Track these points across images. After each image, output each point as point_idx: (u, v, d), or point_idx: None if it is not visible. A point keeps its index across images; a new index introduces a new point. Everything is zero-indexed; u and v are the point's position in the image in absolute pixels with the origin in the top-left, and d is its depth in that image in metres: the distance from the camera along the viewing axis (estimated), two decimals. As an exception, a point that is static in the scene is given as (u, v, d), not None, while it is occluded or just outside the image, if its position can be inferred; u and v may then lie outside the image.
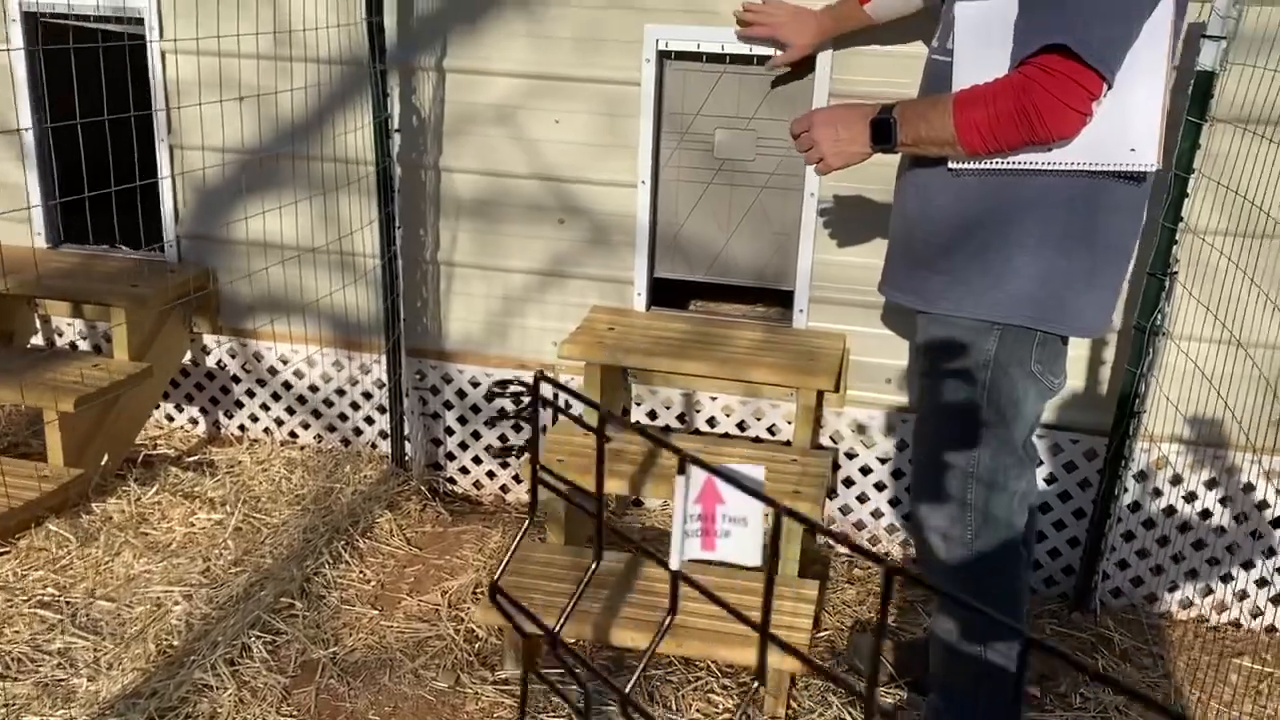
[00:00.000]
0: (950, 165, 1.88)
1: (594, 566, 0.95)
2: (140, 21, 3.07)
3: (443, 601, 2.63)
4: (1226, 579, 2.81)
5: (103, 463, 2.98)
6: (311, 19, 2.94)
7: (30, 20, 3.13)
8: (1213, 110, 2.38)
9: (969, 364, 1.94)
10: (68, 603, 2.50)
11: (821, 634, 2.63)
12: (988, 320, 1.91)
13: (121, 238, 3.30)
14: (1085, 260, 1.89)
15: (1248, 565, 2.80)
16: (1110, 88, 1.74)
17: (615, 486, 2.53)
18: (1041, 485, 2.86)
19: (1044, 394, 1.99)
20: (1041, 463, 2.84)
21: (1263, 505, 2.74)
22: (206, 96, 3.01)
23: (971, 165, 1.85)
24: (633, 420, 3.08)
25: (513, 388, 0.90)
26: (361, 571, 2.73)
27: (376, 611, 2.58)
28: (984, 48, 1.81)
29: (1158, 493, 2.79)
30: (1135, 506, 2.81)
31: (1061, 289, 1.89)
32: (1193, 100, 2.37)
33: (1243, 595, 2.81)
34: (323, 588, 2.63)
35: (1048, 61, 1.70)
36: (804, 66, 2.71)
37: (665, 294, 3.11)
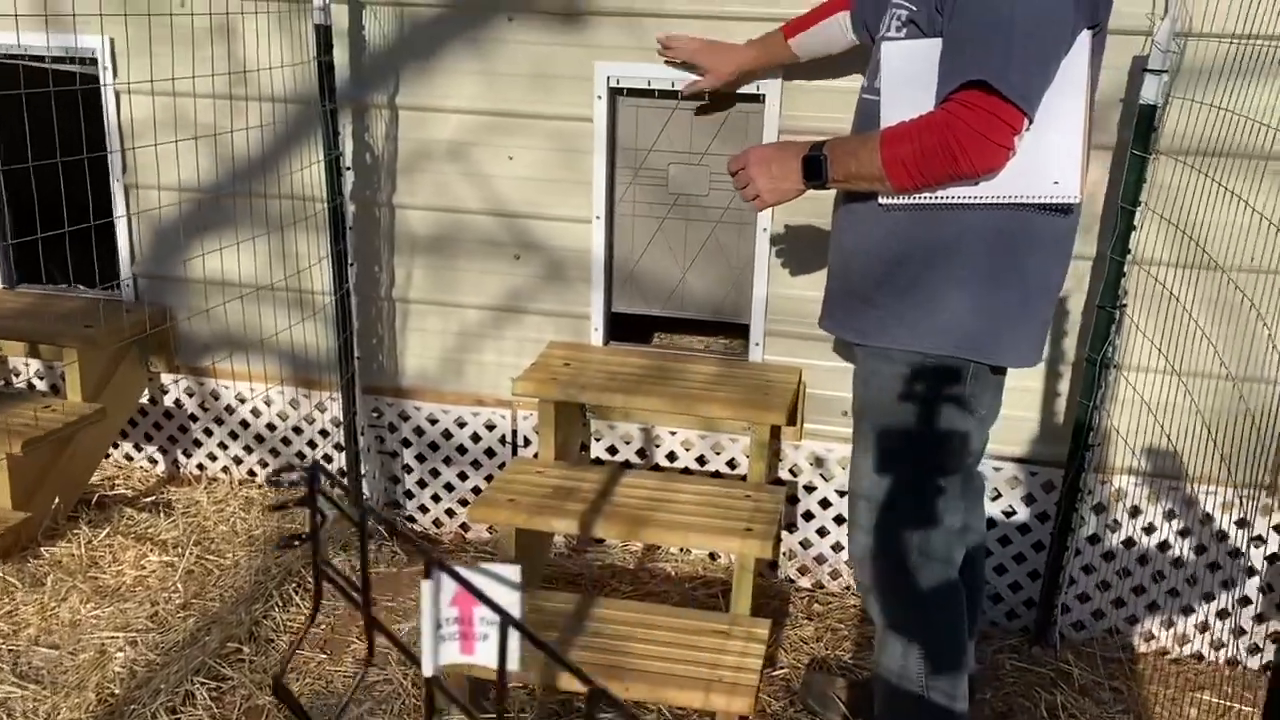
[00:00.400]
0: (880, 200, 1.89)
1: (362, 675, 0.91)
2: (94, 62, 3.06)
3: (392, 645, 2.59)
4: (1188, 611, 2.79)
5: (54, 505, 2.94)
6: (264, 58, 2.94)
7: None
8: (1155, 143, 2.38)
9: (903, 398, 1.94)
10: (10, 650, 2.46)
11: (778, 672, 2.60)
12: (920, 353, 1.92)
13: (79, 278, 3.28)
14: (1014, 292, 1.90)
15: (1208, 597, 2.78)
16: (1031, 122, 1.75)
17: (564, 526, 2.51)
18: (999, 517, 2.84)
19: (978, 427, 1.99)
20: (999, 495, 2.83)
21: (1222, 536, 2.72)
22: (162, 136, 3.00)
23: (902, 200, 1.86)
24: (592, 456, 3.06)
25: (285, 475, 0.88)
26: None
27: (325, 655, 2.54)
28: (910, 86, 1.83)
29: (1116, 525, 2.78)
30: (1095, 539, 2.79)
31: (992, 320, 1.90)
32: (1136, 134, 2.38)
33: (1204, 627, 2.79)
34: (271, 631, 2.59)
35: (968, 97, 1.72)
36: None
37: (627, 328, 3.10)
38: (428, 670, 0.67)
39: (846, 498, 2.13)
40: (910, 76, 1.81)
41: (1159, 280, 2.52)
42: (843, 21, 2.27)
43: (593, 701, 0.58)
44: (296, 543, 0.77)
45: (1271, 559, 2.72)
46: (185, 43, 2.94)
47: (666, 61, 2.68)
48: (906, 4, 1.86)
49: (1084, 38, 1.79)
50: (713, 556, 3.10)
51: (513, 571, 0.64)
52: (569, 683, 2.23)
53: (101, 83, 3.04)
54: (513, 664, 0.63)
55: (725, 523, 2.48)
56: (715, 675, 2.21)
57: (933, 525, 1.97)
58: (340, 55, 2.91)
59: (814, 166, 1.91)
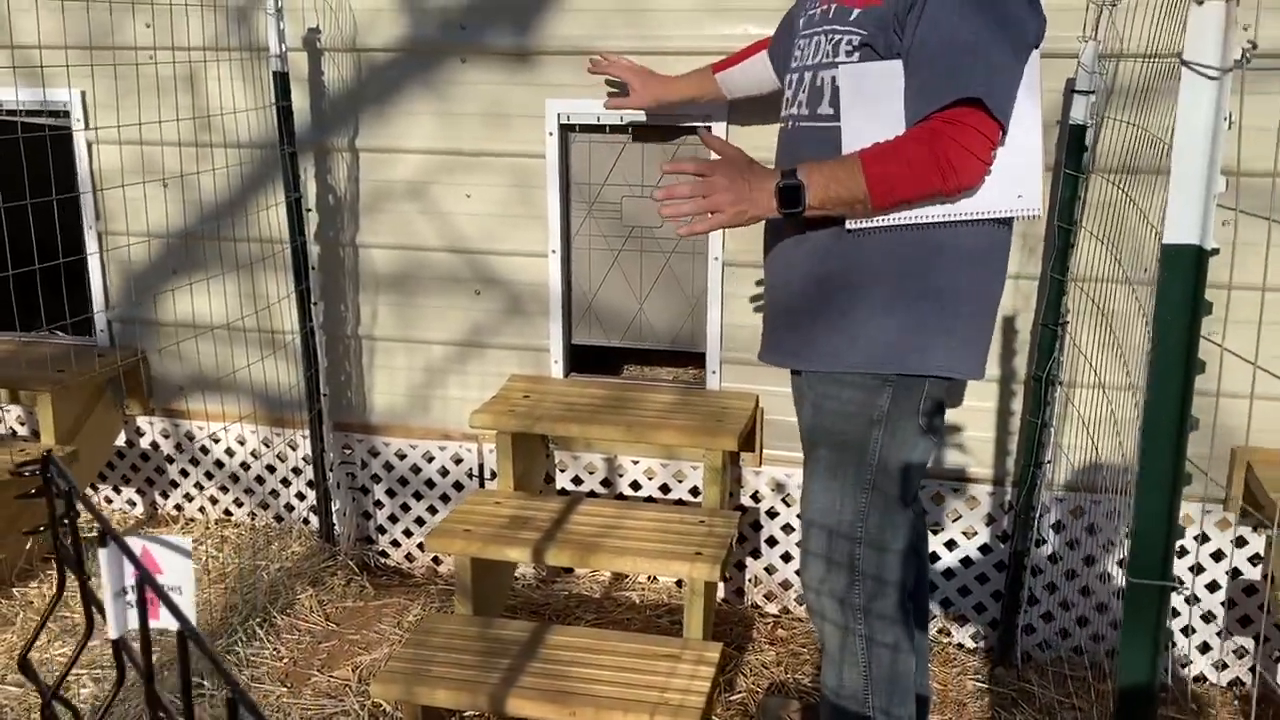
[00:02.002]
0: (848, 225, 1.85)
1: (80, 646, 0.92)
2: (66, 114, 3.16)
3: (353, 677, 2.62)
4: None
5: (27, 546, 2.99)
6: (228, 104, 3.02)
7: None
8: (1087, 162, 2.42)
9: (861, 421, 1.92)
10: (-25, 689, 2.51)
11: (736, 696, 2.61)
12: (879, 374, 1.91)
13: (55, 324, 3.35)
14: (968, 306, 1.89)
15: (1173, 613, 2.77)
16: (1004, 138, 1.78)
17: (518, 555, 2.53)
18: (960, 539, 2.85)
19: (930, 447, 1.98)
20: (960, 516, 2.84)
21: (1182, 552, 2.72)
22: (132, 184, 3.08)
23: (868, 224, 1.84)
24: (557, 487, 3.09)
25: (26, 469, 0.92)
26: (275, 648, 2.72)
27: (285, 689, 2.57)
28: (873, 107, 1.81)
29: (1076, 543, 2.78)
30: (1055, 558, 2.80)
31: (946, 335, 1.88)
32: (1068, 153, 2.41)
33: (1169, 644, 2.78)
34: (234, 665, 2.62)
35: (956, 114, 1.73)
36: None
37: (593, 360, 3.14)
38: (113, 633, 0.70)
39: (799, 521, 2.13)
40: (873, 98, 1.81)
41: (1090, 296, 2.54)
42: (765, 60, 2.31)
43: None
44: (40, 529, 0.81)
45: (1233, 574, 2.71)
46: (152, 91, 3.03)
47: (608, 86, 2.74)
48: (854, 29, 1.84)
49: (1035, 56, 1.81)
50: (679, 584, 3.11)
51: (184, 541, 0.67)
52: (517, 707, 2.24)
53: (73, 131, 3.13)
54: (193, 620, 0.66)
55: (675, 547, 2.50)
56: (662, 698, 2.22)
57: (885, 550, 1.96)
58: (301, 100, 2.99)
59: (793, 194, 1.81)
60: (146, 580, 0.67)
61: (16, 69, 3.10)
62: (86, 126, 3.15)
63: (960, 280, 1.88)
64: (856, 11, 1.85)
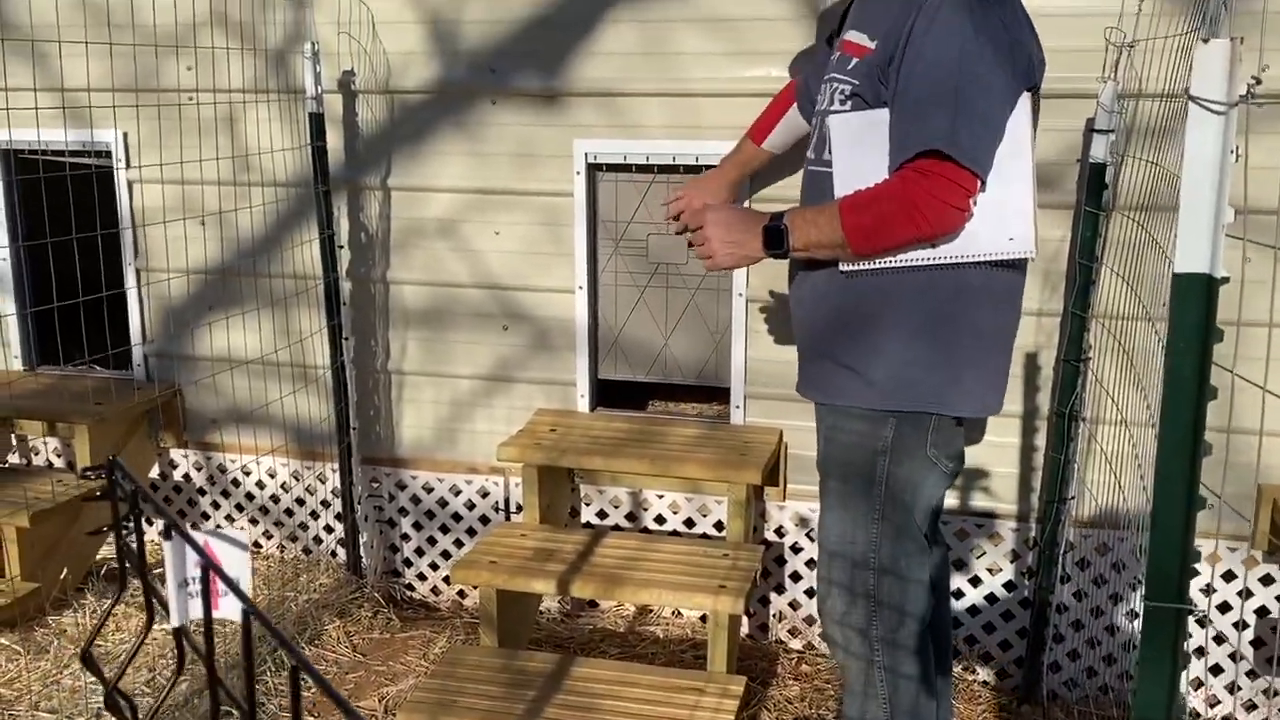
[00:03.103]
0: (841, 267, 1.93)
1: (141, 639, 0.97)
2: (109, 154, 3.26)
3: (379, 707, 2.64)
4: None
5: (62, 576, 3.05)
6: (265, 144, 3.11)
7: (5, 157, 3.34)
8: (1107, 200, 2.44)
9: (866, 453, 1.97)
10: (10, 716, 2.54)
11: (760, 732, 2.61)
12: (882, 409, 1.95)
13: (94, 357, 3.43)
14: (968, 343, 1.94)
15: (1200, 652, 2.75)
16: (984, 183, 1.82)
17: (543, 586, 2.56)
18: (984, 575, 2.85)
19: (942, 479, 2.02)
20: (984, 552, 2.84)
21: (1208, 590, 2.71)
22: (171, 220, 3.17)
23: (862, 265, 1.91)
24: (582, 521, 3.12)
25: (91, 471, 0.96)
26: (302, 678, 2.75)
27: (312, 719, 2.59)
28: (860, 156, 1.89)
29: (1103, 580, 2.77)
30: (1081, 595, 2.79)
31: (947, 371, 1.93)
32: (1088, 191, 2.44)
33: (1198, 684, 2.76)
34: (263, 695, 2.65)
35: (923, 165, 1.79)
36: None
37: (620, 395, 3.18)
38: (175, 621, 0.74)
39: (817, 552, 2.15)
40: (860, 146, 1.88)
41: (1111, 333, 2.55)
42: (796, 114, 2.39)
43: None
44: (104, 529, 0.85)
45: (1260, 612, 2.69)
46: (192, 132, 3.12)
47: (676, 232, 2.59)
48: (848, 79, 1.93)
49: (1024, 99, 1.86)
50: (703, 619, 3.12)
51: (242, 535, 0.71)
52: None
53: (115, 170, 3.23)
54: (234, 615, 0.70)
55: (699, 580, 2.52)
56: (686, 731, 2.23)
57: (901, 579, 1.99)
58: (336, 140, 3.07)
59: (775, 236, 1.95)
60: (213, 569, 0.71)
61: (65, 110, 3.21)
62: (129, 166, 3.24)
63: (963, 319, 1.93)
64: (854, 61, 1.93)
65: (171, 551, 0.74)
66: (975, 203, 1.82)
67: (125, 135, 3.22)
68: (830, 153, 1.95)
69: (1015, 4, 1.87)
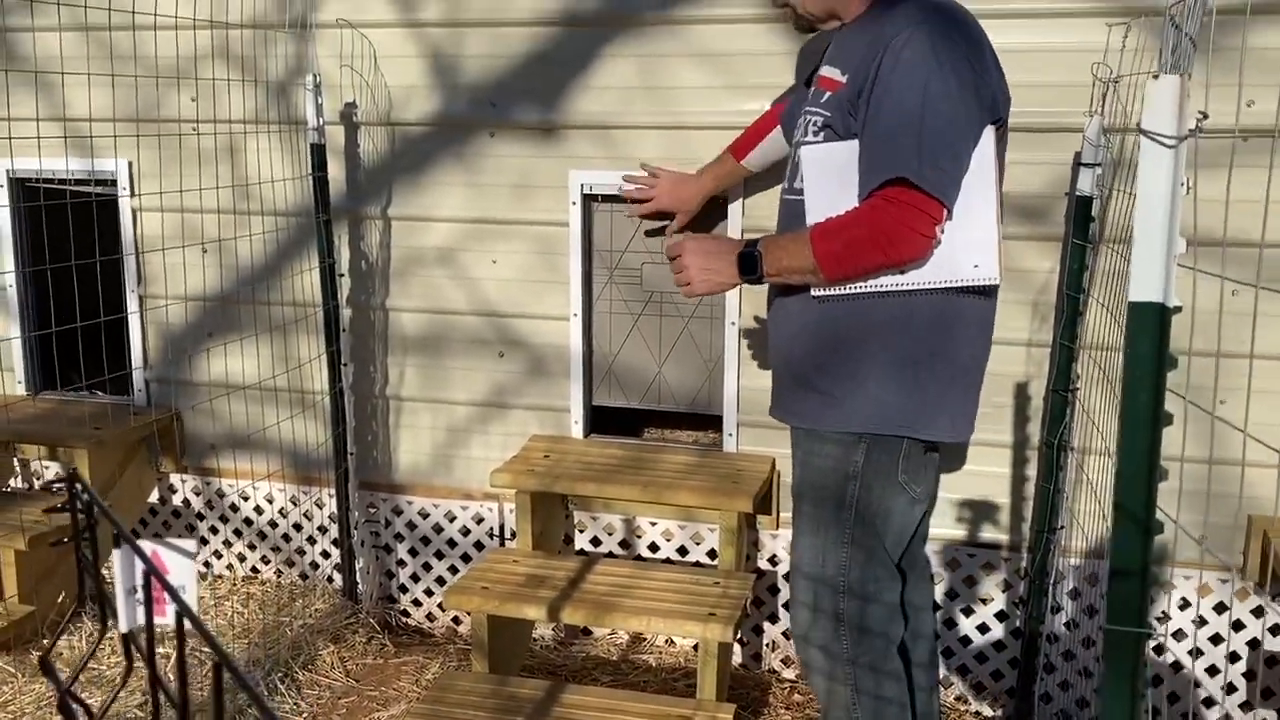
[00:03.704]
0: (813, 292, 1.99)
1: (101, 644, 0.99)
2: (113, 183, 3.31)
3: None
4: (1172, 699, 2.75)
5: (59, 600, 3.07)
6: (267, 174, 3.16)
7: (14, 185, 3.40)
8: (1094, 233, 2.47)
9: (838, 477, 2.01)
10: (3, 738, 2.56)
11: (749, 761, 2.61)
12: (854, 432, 1.99)
13: (97, 384, 3.48)
14: (944, 370, 1.98)
15: (1196, 684, 2.74)
16: (950, 212, 1.86)
17: (534, 613, 2.57)
18: (977, 605, 2.85)
19: (913, 505, 2.04)
20: (976, 581, 2.84)
21: (1200, 622, 2.71)
22: (172, 247, 3.21)
23: (834, 291, 1.96)
24: (576, 548, 3.13)
25: (55, 485, 0.98)
26: (295, 703, 2.76)
27: (302, 742, 2.61)
28: (831, 185, 1.95)
29: (1093, 610, 2.77)
30: (1073, 624, 2.79)
31: (919, 397, 1.97)
32: (1076, 224, 2.47)
33: (1193, 716, 2.75)
34: (255, 718, 2.66)
35: (891, 193, 1.85)
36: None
37: (615, 422, 3.20)
38: (123, 627, 0.76)
39: (790, 574, 2.18)
40: (830, 177, 1.94)
41: (1098, 364, 2.57)
42: (779, 136, 2.45)
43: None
44: (65, 541, 0.87)
45: (1252, 644, 2.69)
46: (194, 161, 3.18)
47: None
48: (821, 111, 2.01)
49: (988, 132, 1.91)
50: (696, 648, 3.12)
51: (189, 545, 0.73)
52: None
53: (119, 198, 3.28)
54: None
55: (689, 607, 2.53)
56: (673, 758, 2.23)
57: (870, 601, 2.01)
58: (337, 170, 3.12)
59: (749, 262, 2.03)
60: (155, 576, 0.73)
61: (68, 139, 3.27)
62: (132, 194, 3.30)
63: (936, 346, 1.97)
64: (827, 95, 1.99)
65: (120, 559, 0.76)
66: (942, 230, 1.87)
67: (130, 164, 3.27)
68: (801, 181, 2.00)
69: (981, 42, 1.92)
